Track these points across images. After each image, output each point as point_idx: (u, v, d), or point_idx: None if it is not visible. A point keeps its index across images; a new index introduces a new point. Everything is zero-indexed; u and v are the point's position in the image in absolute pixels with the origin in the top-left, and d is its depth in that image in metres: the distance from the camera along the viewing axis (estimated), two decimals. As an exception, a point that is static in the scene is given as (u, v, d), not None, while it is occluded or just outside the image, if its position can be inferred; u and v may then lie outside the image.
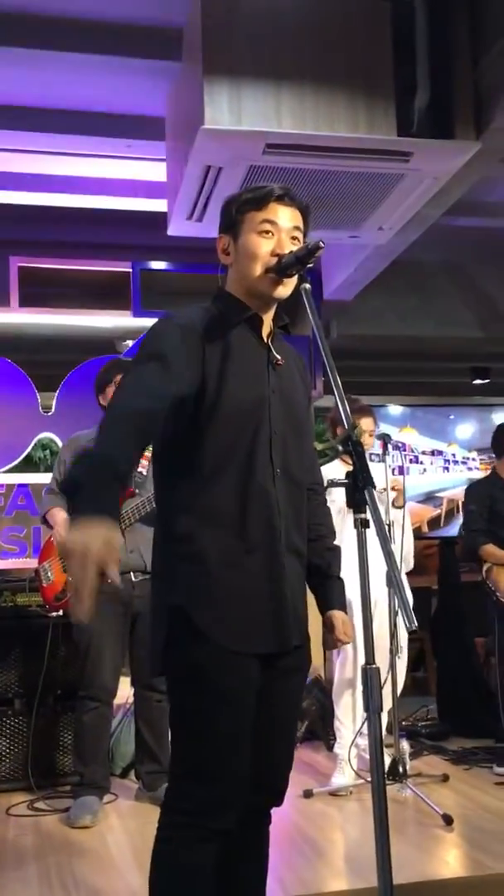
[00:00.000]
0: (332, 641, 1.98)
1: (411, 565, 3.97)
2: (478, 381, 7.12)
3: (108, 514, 1.44)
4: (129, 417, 1.59)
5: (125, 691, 3.56)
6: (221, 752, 1.71)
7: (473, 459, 5.67)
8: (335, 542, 2.01)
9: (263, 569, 1.74)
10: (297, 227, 1.81)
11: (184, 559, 1.74)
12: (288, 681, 1.82)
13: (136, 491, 3.31)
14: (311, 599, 1.95)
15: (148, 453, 3.36)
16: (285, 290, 1.79)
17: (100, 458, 1.53)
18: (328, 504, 2.04)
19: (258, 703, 1.76)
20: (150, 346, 1.74)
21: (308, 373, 2.01)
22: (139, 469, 3.36)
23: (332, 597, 1.95)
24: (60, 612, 3.44)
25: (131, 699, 3.54)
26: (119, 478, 1.53)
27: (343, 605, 1.96)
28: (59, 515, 3.38)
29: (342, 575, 1.99)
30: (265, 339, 1.84)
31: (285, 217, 1.79)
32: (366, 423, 3.70)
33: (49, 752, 3.61)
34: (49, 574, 3.44)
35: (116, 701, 3.42)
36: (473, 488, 4.27)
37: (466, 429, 5.72)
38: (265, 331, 1.84)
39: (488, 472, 4.49)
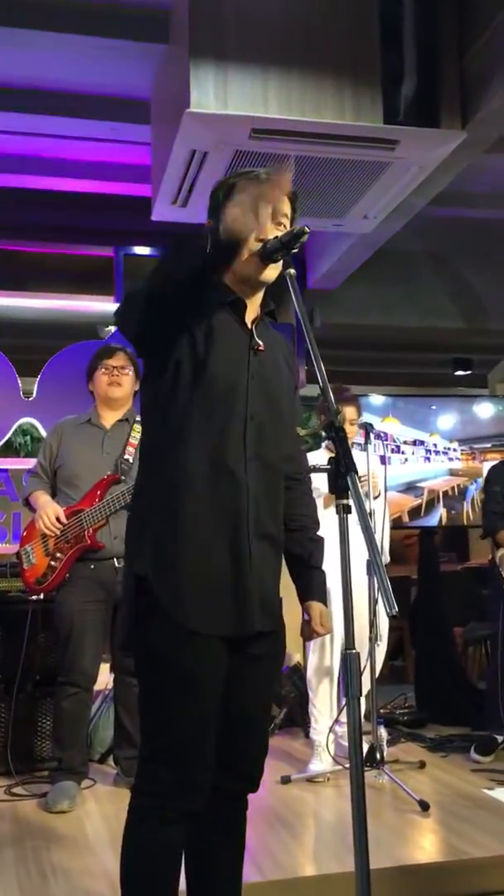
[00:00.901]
0: (308, 632, 1.99)
1: (387, 559, 3.98)
2: (460, 373, 7.15)
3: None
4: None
5: (104, 677, 3.55)
6: (183, 735, 1.72)
7: (455, 450, 5.69)
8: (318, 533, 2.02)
9: (227, 550, 1.74)
10: (283, 213, 1.80)
11: (148, 532, 1.77)
12: (258, 667, 1.82)
13: (122, 478, 3.30)
14: (290, 588, 1.95)
15: (134, 441, 3.36)
16: (271, 274, 1.79)
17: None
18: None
19: (228, 689, 1.77)
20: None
21: (295, 361, 2.01)
22: (125, 456, 3.35)
23: (312, 588, 1.96)
24: (41, 596, 3.42)
25: (110, 685, 3.54)
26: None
27: (323, 597, 1.96)
28: (42, 499, 3.38)
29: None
30: (248, 325, 1.84)
31: None
32: (349, 411, 3.71)
33: (27, 738, 3.59)
34: (31, 558, 3.43)
35: (96, 687, 3.41)
36: (497, 469, 4.20)
37: (448, 419, 5.74)
38: (249, 316, 1.84)
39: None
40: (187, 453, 1.75)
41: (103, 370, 3.44)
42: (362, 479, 3.55)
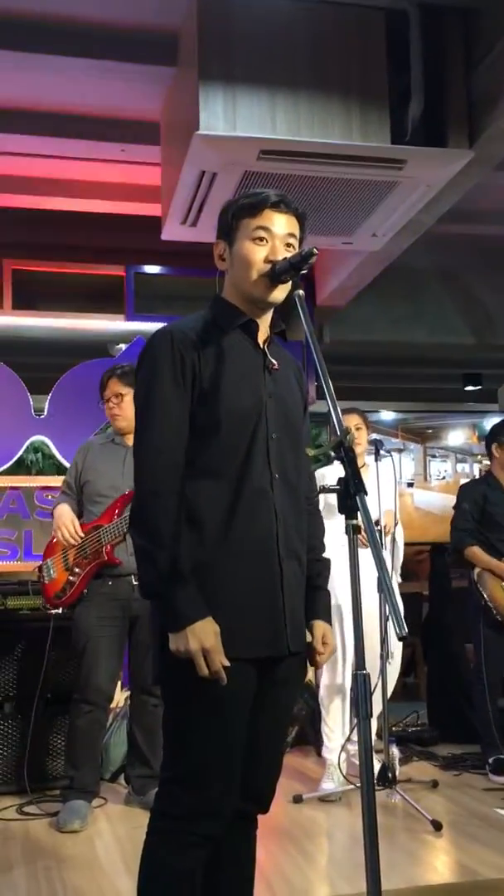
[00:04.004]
0: (312, 654, 1.92)
1: (399, 579, 3.97)
2: (470, 388, 7.15)
3: (199, 613, 1.64)
4: (167, 461, 1.70)
5: (118, 695, 3.55)
6: (211, 759, 1.71)
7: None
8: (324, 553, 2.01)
9: (259, 572, 1.74)
10: (291, 234, 1.81)
11: (175, 559, 1.75)
12: (283, 690, 1.81)
13: None
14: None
15: None
16: (279, 294, 1.81)
17: (163, 562, 1.66)
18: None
19: (253, 711, 1.76)
20: (149, 366, 1.78)
21: (304, 378, 2.01)
22: None
23: (316, 607, 1.92)
24: (60, 611, 3.43)
25: (121, 703, 3.53)
26: (186, 575, 1.66)
27: (327, 617, 1.93)
28: (59, 510, 3.43)
29: (333, 576, 1.99)
30: (261, 345, 1.85)
31: (280, 224, 1.80)
32: (348, 419, 3.69)
33: (39, 756, 3.59)
34: (52, 572, 3.45)
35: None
36: (468, 487, 4.25)
37: (458, 435, 5.74)
38: (261, 336, 1.86)
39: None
40: (213, 475, 1.74)
41: (106, 404, 3.47)
42: (377, 525, 3.51)
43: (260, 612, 1.73)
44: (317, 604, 1.93)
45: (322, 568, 1.96)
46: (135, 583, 3.25)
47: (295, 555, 1.81)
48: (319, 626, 1.91)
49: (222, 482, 1.74)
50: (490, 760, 3.80)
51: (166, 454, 1.71)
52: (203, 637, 1.62)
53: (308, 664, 1.88)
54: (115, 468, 3.40)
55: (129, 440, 3.45)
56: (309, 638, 1.89)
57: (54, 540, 3.44)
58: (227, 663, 1.64)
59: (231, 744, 1.72)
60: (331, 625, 1.93)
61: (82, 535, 3.33)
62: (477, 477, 5.43)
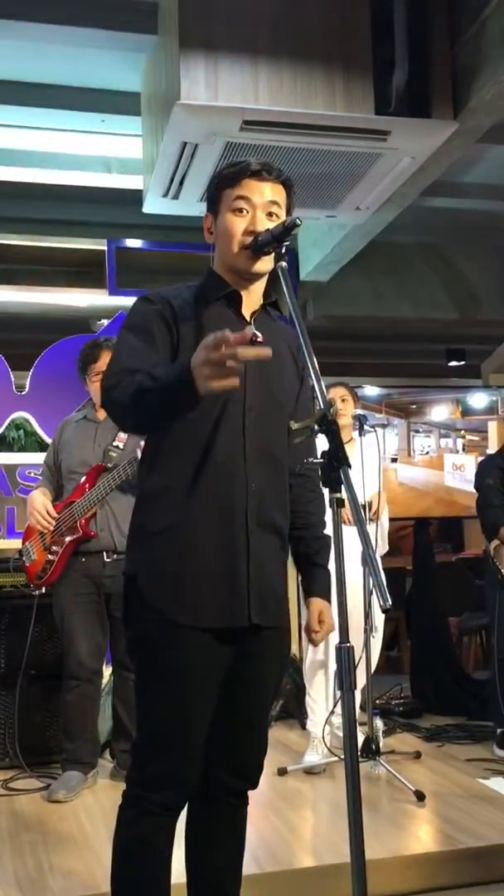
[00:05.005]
0: (309, 632, 1.94)
1: (386, 548, 3.99)
2: (453, 363, 7.15)
3: (180, 363, 1.56)
4: (131, 373, 1.65)
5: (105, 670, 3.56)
6: (168, 728, 1.73)
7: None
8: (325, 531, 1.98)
9: (218, 542, 1.73)
10: (274, 202, 1.78)
11: (138, 530, 1.80)
12: (259, 665, 1.80)
13: (108, 465, 3.30)
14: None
15: None
16: (263, 266, 1.78)
17: (136, 382, 1.62)
18: None
19: (229, 687, 1.76)
20: (130, 322, 1.81)
21: (303, 352, 1.94)
22: (115, 443, 3.35)
23: (314, 584, 1.92)
24: (42, 591, 3.45)
25: (106, 678, 3.55)
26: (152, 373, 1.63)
27: (326, 594, 1.92)
28: (31, 496, 3.45)
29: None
30: (245, 317, 1.82)
31: (260, 192, 1.77)
32: (334, 391, 3.72)
33: (25, 732, 3.59)
34: (32, 554, 3.46)
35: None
36: (486, 463, 4.19)
37: (442, 411, 5.75)
38: (248, 307, 1.83)
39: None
40: (180, 447, 1.74)
41: (93, 375, 3.41)
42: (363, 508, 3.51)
43: (219, 582, 1.72)
44: (314, 581, 1.92)
45: (321, 545, 1.94)
46: (107, 559, 3.30)
47: (272, 527, 1.79)
48: (316, 602, 1.90)
49: (190, 451, 1.73)
50: (498, 731, 3.82)
51: (127, 373, 1.68)
52: (195, 359, 1.51)
53: (289, 640, 1.89)
54: (87, 444, 3.40)
55: (102, 414, 3.44)
56: (306, 615, 1.89)
57: (29, 525, 3.45)
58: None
59: (189, 715, 1.73)
60: (329, 603, 1.91)
61: (56, 515, 3.33)
62: (462, 451, 5.46)
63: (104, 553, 3.30)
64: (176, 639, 1.70)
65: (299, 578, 2.01)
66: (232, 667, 1.76)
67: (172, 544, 1.73)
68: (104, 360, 3.39)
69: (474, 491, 4.14)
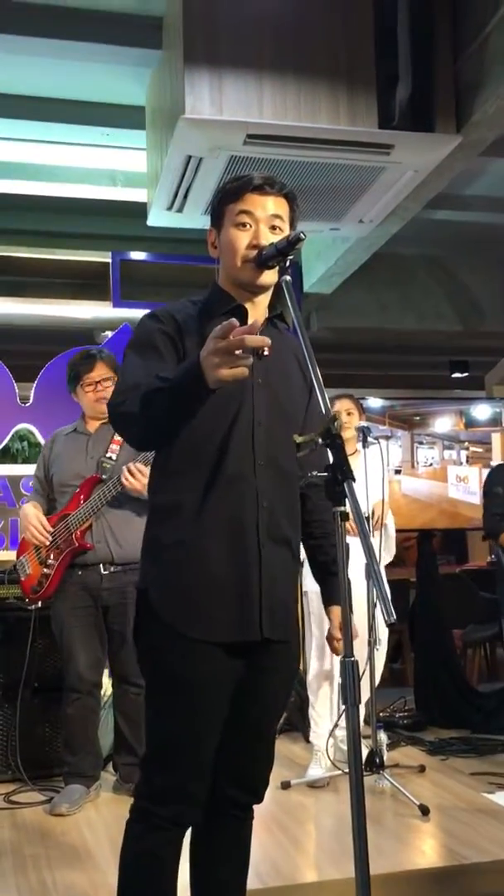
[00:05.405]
0: (332, 641, 1.91)
1: (393, 553, 3.97)
2: (457, 375, 7.16)
3: (190, 361, 1.55)
4: (139, 389, 1.64)
5: (106, 682, 3.55)
6: (177, 742, 1.73)
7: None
8: None
9: (230, 556, 1.72)
10: (276, 216, 1.78)
11: (150, 545, 1.80)
12: (270, 679, 1.80)
13: (104, 476, 3.30)
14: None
15: (119, 439, 3.34)
16: (268, 279, 1.78)
17: (143, 388, 1.61)
18: None
19: (238, 701, 1.76)
20: (136, 340, 1.80)
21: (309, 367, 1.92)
22: (108, 454, 3.34)
23: (335, 593, 1.90)
24: (39, 605, 3.43)
25: (108, 691, 3.54)
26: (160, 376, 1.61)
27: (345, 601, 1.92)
28: (24, 511, 3.43)
29: None
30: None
31: (263, 206, 1.77)
32: (339, 403, 3.72)
33: (26, 745, 3.58)
34: (27, 568, 3.46)
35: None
36: (498, 471, 4.20)
37: (445, 422, 5.75)
38: (252, 321, 1.83)
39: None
40: (190, 462, 1.74)
41: (87, 385, 3.40)
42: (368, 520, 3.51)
43: (230, 596, 1.72)
44: (336, 590, 1.89)
45: (337, 554, 1.94)
46: (104, 571, 3.27)
47: (283, 540, 1.79)
48: (337, 611, 1.88)
49: (200, 466, 1.73)
50: None
51: (134, 389, 1.67)
52: (204, 350, 1.50)
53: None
54: (79, 456, 3.38)
55: (92, 426, 3.43)
56: (327, 625, 1.89)
57: (23, 539, 3.44)
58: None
59: (198, 729, 1.72)
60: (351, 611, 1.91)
61: (51, 529, 3.32)
62: (465, 463, 5.45)
63: (101, 565, 3.28)
64: (187, 653, 1.70)
65: (301, 591, 2.01)
66: (242, 680, 1.76)
67: (184, 559, 1.72)
68: (99, 370, 3.39)
69: (478, 503, 4.13)
